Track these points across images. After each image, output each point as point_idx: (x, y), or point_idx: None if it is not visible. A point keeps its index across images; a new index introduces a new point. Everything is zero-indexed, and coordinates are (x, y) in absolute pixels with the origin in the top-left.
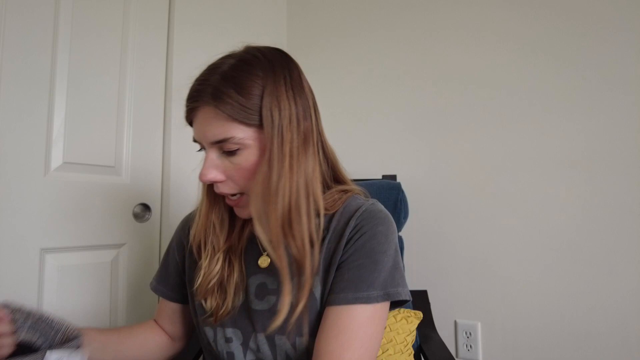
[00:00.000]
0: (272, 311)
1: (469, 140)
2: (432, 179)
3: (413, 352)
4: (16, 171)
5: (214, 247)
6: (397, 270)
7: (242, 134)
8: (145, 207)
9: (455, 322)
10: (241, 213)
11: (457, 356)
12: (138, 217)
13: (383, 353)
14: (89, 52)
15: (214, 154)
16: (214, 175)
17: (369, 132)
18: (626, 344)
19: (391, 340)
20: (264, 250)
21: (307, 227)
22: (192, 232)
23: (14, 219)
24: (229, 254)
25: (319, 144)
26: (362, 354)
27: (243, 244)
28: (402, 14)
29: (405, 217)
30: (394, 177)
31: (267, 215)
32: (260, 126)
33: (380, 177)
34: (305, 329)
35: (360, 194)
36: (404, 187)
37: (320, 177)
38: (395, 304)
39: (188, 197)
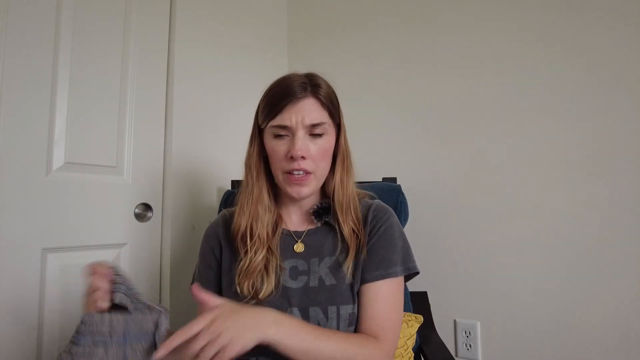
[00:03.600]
0: (306, 288)
1: (468, 142)
2: (431, 181)
3: (413, 355)
4: (18, 171)
5: (259, 238)
6: (409, 248)
7: (328, 122)
8: (147, 207)
9: (455, 322)
10: (301, 191)
11: (456, 355)
12: (139, 217)
13: None
14: (91, 53)
15: (304, 136)
16: (305, 151)
17: (369, 135)
18: (625, 343)
19: None
20: (298, 239)
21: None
22: (236, 222)
23: (16, 219)
24: (269, 244)
25: None
26: (399, 314)
27: (278, 237)
28: (400, 21)
29: (405, 219)
30: (394, 179)
31: (341, 193)
32: (334, 121)
33: (381, 180)
34: (336, 299)
35: (370, 197)
36: (403, 189)
37: None
38: (408, 276)
39: (189, 197)
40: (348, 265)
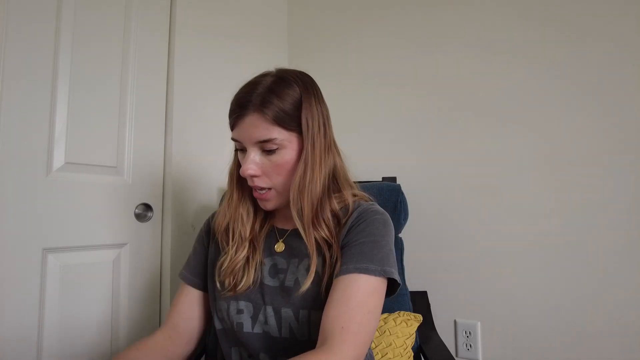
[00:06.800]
0: (282, 287)
1: (467, 142)
2: (431, 181)
3: (412, 355)
4: (18, 171)
5: (241, 237)
6: (392, 255)
7: (282, 136)
8: (147, 207)
9: (455, 322)
10: (265, 205)
11: (457, 356)
12: (140, 217)
13: (382, 357)
14: (91, 53)
15: (254, 153)
16: (254, 170)
17: (369, 135)
18: (625, 343)
19: (390, 344)
20: (280, 238)
21: (330, 213)
22: (217, 222)
23: (17, 219)
24: (252, 241)
25: (335, 147)
26: (369, 319)
27: (264, 234)
28: (401, 18)
29: (405, 218)
30: (393, 179)
31: (302, 203)
32: (296, 131)
33: (380, 179)
34: (309, 303)
35: (367, 199)
36: (403, 189)
37: (340, 173)
38: (390, 291)
39: (189, 197)
40: (311, 275)
